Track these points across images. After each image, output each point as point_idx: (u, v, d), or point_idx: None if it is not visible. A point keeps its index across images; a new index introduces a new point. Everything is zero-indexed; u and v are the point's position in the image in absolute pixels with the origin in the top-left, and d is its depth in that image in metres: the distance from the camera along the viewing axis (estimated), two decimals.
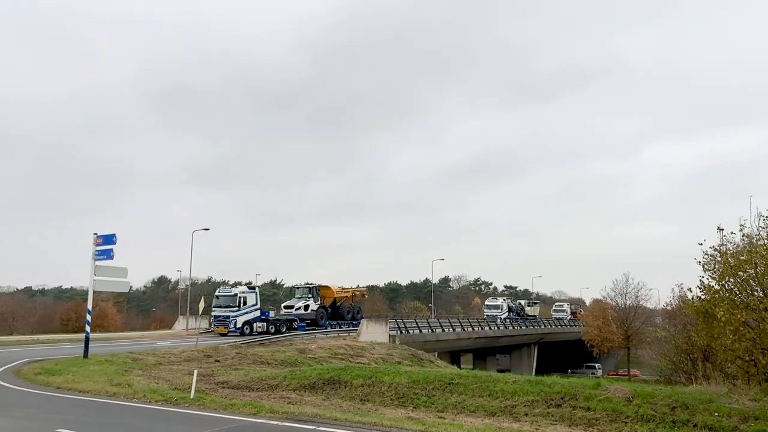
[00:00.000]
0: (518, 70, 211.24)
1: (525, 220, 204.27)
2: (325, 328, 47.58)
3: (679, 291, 42.94)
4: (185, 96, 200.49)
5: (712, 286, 19.20)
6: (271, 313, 47.32)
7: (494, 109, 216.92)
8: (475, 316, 75.03)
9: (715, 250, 19.29)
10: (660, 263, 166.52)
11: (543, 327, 70.24)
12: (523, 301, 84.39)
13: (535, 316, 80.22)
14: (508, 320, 68.42)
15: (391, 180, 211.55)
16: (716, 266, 19.19)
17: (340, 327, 49.40)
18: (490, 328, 58.10)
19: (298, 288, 53.06)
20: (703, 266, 19.50)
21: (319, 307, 49.32)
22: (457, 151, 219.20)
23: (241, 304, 42.38)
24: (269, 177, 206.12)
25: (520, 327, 65.83)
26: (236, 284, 53.24)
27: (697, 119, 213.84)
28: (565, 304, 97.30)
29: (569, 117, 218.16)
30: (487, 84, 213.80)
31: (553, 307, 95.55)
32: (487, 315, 70.50)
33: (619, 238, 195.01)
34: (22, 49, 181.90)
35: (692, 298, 20.94)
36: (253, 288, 46.36)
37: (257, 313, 43.72)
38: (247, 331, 41.65)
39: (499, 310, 72.25)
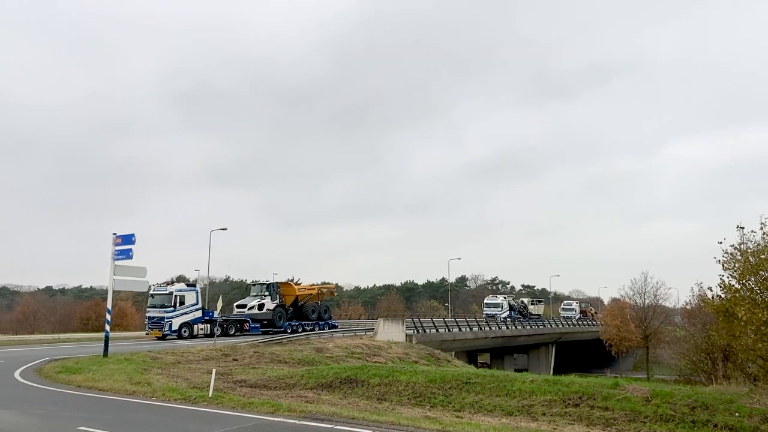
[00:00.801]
0: (540, 66, 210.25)
1: (544, 218, 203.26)
2: (285, 331, 43.77)
3: (699, 290, 42.64)
4: (206, 96, 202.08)
5: (733, 285, 19.01)
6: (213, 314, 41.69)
7: (515, 106, 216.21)
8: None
9: (735, 248, 19.11)
10: (681, 262, 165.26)
11: (561, 326, 69.41)
12: (526, 299, 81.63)
13: (539, 315, 77.70)
14: (509, 319, 66.07)
15: (411, 179, 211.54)
16: (736, 265, 19.01)
17: (303, 329, 45.59)
18: (507, 328, 57.90)
19: (253, 285, 48.14)
20: (723, 265, 19.32)
21: (276, 307, 44.90)
22: (477, 149, 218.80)
23: (177, 304, 38.83)
24: (289, 176, 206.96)
25: (537, 326, 65.19)
26: (174, 281, 44.86)
27: (720, 115, 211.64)
28: (574, 302, 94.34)
29: (591, 114, 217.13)
30: (508, 81, 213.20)
31: (562, 306, 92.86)
32: (486, 314, 68.12)
33: (639, 237, 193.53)
34: (45, 50, 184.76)
35: (712, 297, 20.74)
36: (193, 285, 42.49)
37: (198, 314, 40.20)
38: (186, 334, 38.59)
39: (499, 309, 69.85)
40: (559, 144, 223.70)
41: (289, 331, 44.03)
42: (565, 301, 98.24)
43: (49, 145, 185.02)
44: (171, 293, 39.00)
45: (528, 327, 62.97)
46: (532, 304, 79.87)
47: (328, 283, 64.90)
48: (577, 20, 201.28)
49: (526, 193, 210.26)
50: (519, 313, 72.70)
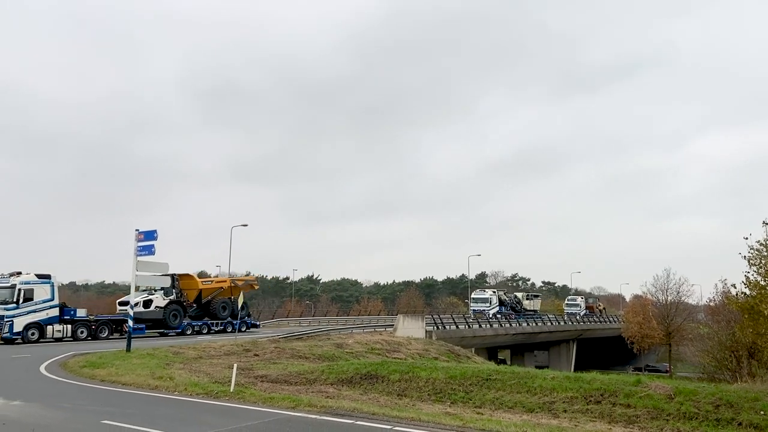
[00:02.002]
0: (565, 60, 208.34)
1: (567, 214, 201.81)
2: (184, 332, 38.52)
3: (723, 287, 42.07)
4: (229, 93, 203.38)
5: (758, 282, 18.75)
6: (80, 312, 35.59)
7: (539, 101, 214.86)
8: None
9: (762, 244, 18.83)
10: (704, 259, 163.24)
11: (582, 323, 68.87)
12: (520, 294, 77.39)
13: (535, 311, 73.30)
14: (499, 315, 60.97)
15: (432, 176, 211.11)
16: (762, 261, 18.74)
17: (210, 329, 40.44)
18: (527, 324, 57.66)
19: None
20: (749, 261, 19.07)
21: (169, 303, 38.62)
22: (499, 146, 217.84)
23: (22, 300, 31.65)
24: (311, 173, 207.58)
25: (559, 323, 64.80)
26: (20, 272, 33.81)
27: (747, 109, 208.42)
28: (579, 297, 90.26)
29: (616, 108, 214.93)
30: (532, 76, 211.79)
31: (566, 301, 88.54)
32: (474, 310, 63.34)
33: (662, 234, 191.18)
34: (71, 48, 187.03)
35: (737, 294, 20.49)
36: (47, 277, 33.58)
37: (53, 312, 32.87)
38: (34, 337, 31.86)
39: (487, 305, 64.29)
40: (583, 139, 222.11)
41: (189, 332, 39.00)
42: (569, 297, 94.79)
43: (74, 142, 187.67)
44: (14, 286, 31.73)
45: (525, 324, 62.18)
46: (527, 298, 75.54)
47: (248, 276, 58.99)
48: (604, 12, 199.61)
49: (548, 189, 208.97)
50: (512, 308, 68.24)
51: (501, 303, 66.53)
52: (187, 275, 42.43)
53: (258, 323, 47.85)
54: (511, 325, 54.04)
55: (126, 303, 35.53)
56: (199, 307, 42.04)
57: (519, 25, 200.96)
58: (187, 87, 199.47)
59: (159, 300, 38.18)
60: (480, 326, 49.23)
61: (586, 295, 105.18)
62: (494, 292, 67.62)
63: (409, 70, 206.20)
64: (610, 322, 75.03)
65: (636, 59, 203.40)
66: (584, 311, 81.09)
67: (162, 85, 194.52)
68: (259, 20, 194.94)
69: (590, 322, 71.48)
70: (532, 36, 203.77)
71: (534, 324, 59.11)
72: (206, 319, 41.47)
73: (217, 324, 41.43)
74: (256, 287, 54.29)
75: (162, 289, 37.67)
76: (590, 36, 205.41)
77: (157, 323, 38.20)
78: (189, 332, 39.04)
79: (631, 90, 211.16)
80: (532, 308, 73.11)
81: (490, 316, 58.61)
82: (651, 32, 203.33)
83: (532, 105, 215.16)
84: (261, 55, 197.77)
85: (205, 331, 40.09)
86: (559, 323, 64.42)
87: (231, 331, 40.06)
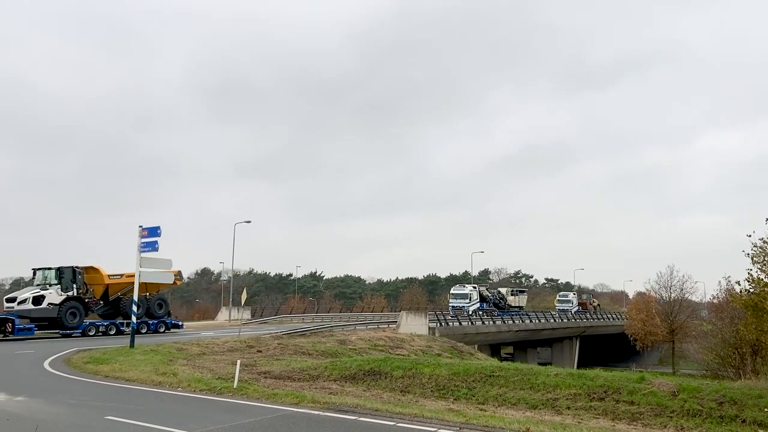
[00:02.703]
0: (573, 56, 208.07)
1: (572, 211, 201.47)
2: (86, 333, 33.72)
3: (727, 284, 42.06)
4: (236, 90, 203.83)
5: (762, 279, 18.69)
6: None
7: (546, 98, 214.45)
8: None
9: (765, 242, 18.77)
10: (710, 255, 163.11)
11: (585, 320, 68.78)
12: (504, 289, 72.41)
13: (521, 307, 69.29)
14: (481, 311, 58.94)
15: (438, 172, 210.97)
16: (766, 258, 18.68)
17: (118, 330, 35.11)
18: (530, 321, 57.60)
19: (39, 270, 34.86)
20: (752, 258, 19.00)
21: (67, 300, 33.36)
22: (505, 142, 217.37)
23: None
24: (316, 170, 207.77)
25: (561, 320, 64.70)
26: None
27: (755, 106, 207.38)
28: (570, 293, 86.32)
29: (623, 105, 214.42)
30: (540, 72, 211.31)
31: (557, 298, 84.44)
32: (452, 306, 59.51)
33: (668, 231, 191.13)
34: (76, 43, 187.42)
35: (740, 292, 20.43)
36: None
37: None
38: None
39: (467, 301, 60.06)
40: (590, 136, 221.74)
41: (92, 333, 33.93)
42: (560, 293, 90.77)
43: (80, 139, 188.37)
44: None
45: (512, 321, 61.60)
46: (512, 294, 71.04)
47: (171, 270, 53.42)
48: (613, 7, 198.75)
49: (554, 186, 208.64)
50: (494, 305, 64.33)
51: (483, 299, 62.84)
52: (92, 268, 36.47)
53: (181, 323, 41.49)
54: (513, 321, 54.01)
55: (13, 300, 32.77)
56: (108, 305, 37.10)
57: (526, 22, 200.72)
58: (194, 84, 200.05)
59: (53, 296, 32.93)
60: (483, 323, 49.23)
61: (583, 292, 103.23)
62: (474, 287, 63.10)
63: (416, 67, 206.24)
64: (613, 319, 74.97)
65: (644, 55, 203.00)
66: (576, 308, 77.90)
67: (168, 82, 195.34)
68: (267, 17, 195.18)
69: (593, 319, 71.41)
70: (539, 32, 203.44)
71: (529, 321, 58.64)
72: (119, 318, 36.25)
73: (126, 324, 34.70)
74: (179, 283, 47.86)
75: (58, 284, 33.47)
76: (598, 32, 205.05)
77: (52, 323, 33.02)
78: (92, 333, 34.02)
79: (639, 86, 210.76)
80: (517, 304, 69.01)
81: (470, 312, 55.00)
82: (660, 28, 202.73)
83: (539, 101, 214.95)
84: (268, 52, 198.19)
85: (113, 332, 34.74)
86: (561, 320, 64.34)
87: (146, 332, 36.12)
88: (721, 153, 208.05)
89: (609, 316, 77.40)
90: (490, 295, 64.86)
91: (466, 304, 58.80)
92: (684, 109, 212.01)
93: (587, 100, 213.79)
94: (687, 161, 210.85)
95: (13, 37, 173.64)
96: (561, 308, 75.23)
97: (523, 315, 60.05)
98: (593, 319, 71.54)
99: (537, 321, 58.78)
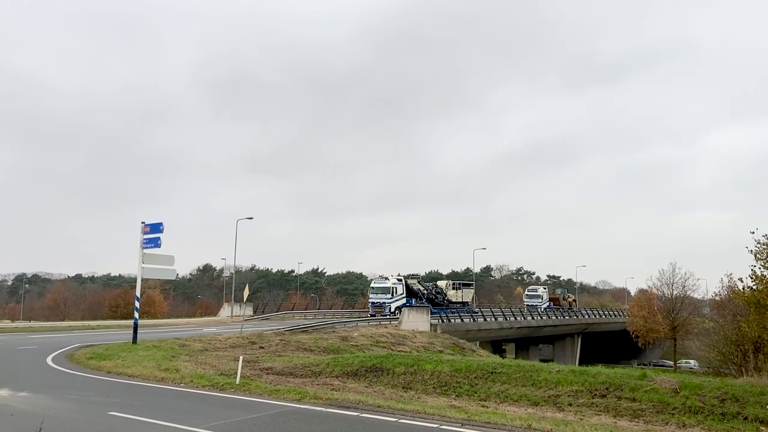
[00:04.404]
0: (581, 52, 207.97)
1: (577, 208, 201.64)
2: None
3: (729, 281, 42.02)
4: (244, 85, 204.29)
5: (765, 276, 18.69)
6: None
7: (553, 93, 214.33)
8: (517, 305, 73.60)
9: None
10: (715, 253, 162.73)
11: (587, 317, 68.75)
12: (443, 283, 63.27)
13: (465, 303, 60.78)
14: (408, 308, 48.25)
15: (443, 168, 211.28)
16: None
17: None
18: (532, 318, 57.63)
19: None
20: (755, 255, 19.00)
21: None
22: (511, 138, 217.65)
23: None
24: (322, 166, 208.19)
25: (563, 317, 64.69)
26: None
27: (764, 102, 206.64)
28: (540, 287, 79.24)
29: (632, 100, 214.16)
30: (548, 67, 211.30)
31: (525, 292, 77.43)
32: (372, 302, 51.81)
33: (674, 227, 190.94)
34: (86, 40, 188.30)
35: (743, 288, 20.42)
36: None
37: None
38: None
39: (388, 296, 50.60)
40: (596, 132, 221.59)
41: None
42: (529, 287, 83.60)
43: (86, 135, 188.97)
44: None
45: (567, 317, 61.36)
46: (453, 288, 61.73)
47: None
48: (624, 2, 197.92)
49: (559, 182, 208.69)
50: (430, 300, 55.16)
51: (412, 294, 53.51)
52: None
53: None
54: (516, 318, 54.03)
55: None
56: None
57: (536, 16, 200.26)
58: (202, 79, 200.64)
59: None
60: (485, 320, 49.22)
61: (559, 286, 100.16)
62: (400, 279, 53.16)
63: (423, 62, 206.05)
64: (615, 316, 74.95)
65: (655, 50, 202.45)
66: (547, 303, 71.79)
67: (176, 78, 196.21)
68: (275, 11, 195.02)
69: (595, 315, 71.31)
70: (549, 27, 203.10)
71: (539, 318, 58.66)
72: None
73: None
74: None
75: None
76: (607, 27, 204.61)
77: None
78: None
79: (649, 82, 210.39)
80: (459, 299, 60.10)
81: (392, 310, 48.46)
82: (669, 23, 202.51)
83: (546, 97, 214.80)
84: (276, 47, 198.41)
85: None
86: (563, 317, 64.37)
87: None
88: (727, 150, 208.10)
89: (611, 313, 77.31)
90: (422, 288, 56.38)
91: (387, 300, 50.26)
92: (692, 105, 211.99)
93: (595, 95, 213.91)
94: (693, 158, 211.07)
95: (23, 35, 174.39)
96: (529, 304, 69.94)
97: (470, 312, 54.52)
98: (595, 316, 71.45)
99: (539, 318, 58.82)
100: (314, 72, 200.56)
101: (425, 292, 55.51)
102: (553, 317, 62.43)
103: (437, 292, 57.41)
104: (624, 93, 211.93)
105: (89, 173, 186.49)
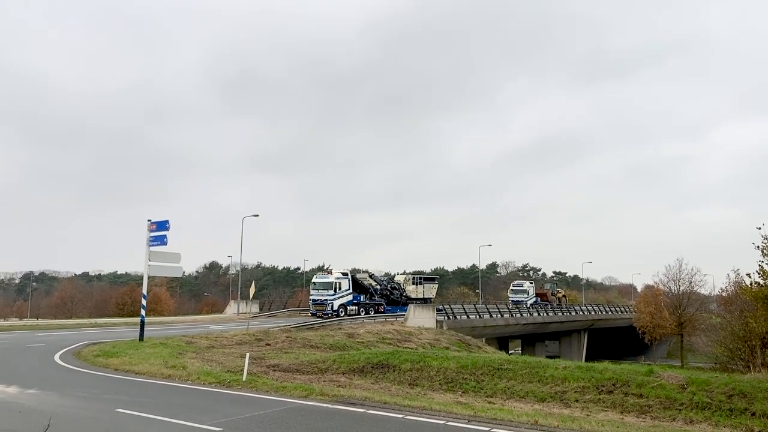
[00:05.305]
0: (591, 47, 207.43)
1: (584, 204, 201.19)
2: None
3: (736, 276, 41.83)
4: (252, 82, 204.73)
5: None
6: None
7: (563, 89, 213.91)
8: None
9: None
10: (724, 249, 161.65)
11: (594, 313, 68.53)
12: (401, 277, 58.61)
13: (427, 299, 55.57)
14: (352, 306, 47.42)
15: (451, 165, 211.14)
16: None
17: None
18: (538, 314, 57.54)
19: None
20: (762, 251, 18.94)
21: None
22: (521, 134, 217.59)
23: None
24: (330, 163, 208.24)
25: (569, 313, 64.56)
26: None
27: None
28: (526, 282, 74.61)
29: (641, 96, 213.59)
30: (558, 62, 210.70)
31: (510, 287, 72.46)
32: (312, 299, 47.01)
33: (681, 223, 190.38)
34: (94, 38, 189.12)
35: (750, 284, 20.35)
36: None
37: None
38: None
39: (330, 292, 45.88)
40: (606, 128, 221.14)
41: None
42: (514, 282, 77.96)
43: (97, 133, 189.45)
44: None
45: (573, 313, 61.23)
46: (414, 283, 56.69)
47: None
48: None
49: (567, 178, 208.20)
50: (384, 296, 51.93)
51: (363, 290, 49.86)
52: None
53: None
54: (521, 315, 53.97)
55: None
56: None
57: (544, 11, 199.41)
58: (209, 76, 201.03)
59: None
60: (491, 316, 49.17)
61: (547, 281, 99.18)
62: (346, 273, 48.49)
63: (431, 59, 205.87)
64: (622, 312, 74.71)
65: (665, 45, 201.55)
66: (534, 299, 68.49)
67: (183, 75, 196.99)
68: (285, 8, 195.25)
69: (602, 312, 71.09)
70: (558, 22, 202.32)
71: (537, 315, 58.36)
72: None
73: None
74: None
75: None
76: (618, 22, 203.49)
77: None
78: None
79: (660, 76, 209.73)
80: (419, 296, 55.12)
81: (335, 308, 45.34)
82: (680, 17, 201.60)
83: (556, 92, 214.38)
84: (284, 43, 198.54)
85: None
86: (570, 313, 64.24)
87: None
88: (737, 145, 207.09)
89: (617, 309, 77.00)
90: (375, 284, 52.15)
91: (329, 297, 45.72)
92: (703, 99, 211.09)
93: (604, 91, 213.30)
94: (702, 154, 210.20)
95: (33, 34, 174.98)
96: (514, 299, 66.17)
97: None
98: (602, 312, 71.21)
99: (545, 314, 58.74)
100: (322, 69, 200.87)
101: (378, 287, 52.41)
102: (559, 314, 62.32)
103: (393, 288, 54.07)
104: (633, 88, 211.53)
105: (97, 171, 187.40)
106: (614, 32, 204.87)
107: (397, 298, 53.10)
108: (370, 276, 54.01)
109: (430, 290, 57.77)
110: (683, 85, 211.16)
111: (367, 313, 47.40)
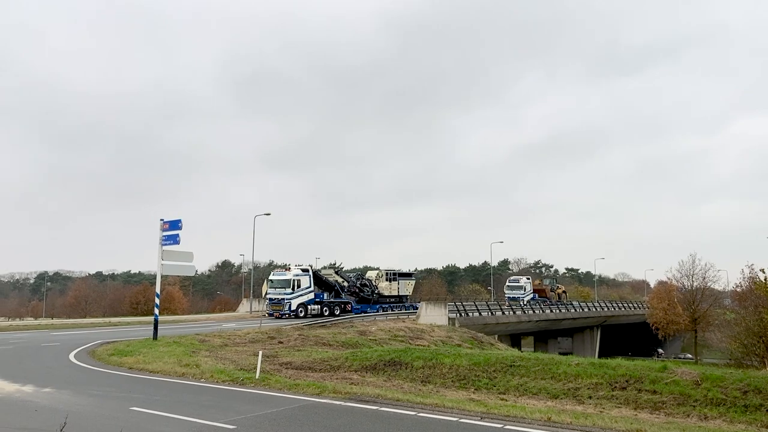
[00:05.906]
0: (606, 40, 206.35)
1: (597, 200, 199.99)
2: None
3: (750, 272, 41.50)
4: (265, 81, 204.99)
5: None
6: None
7: (576, 84, 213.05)
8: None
9: None
10: (738, 243, 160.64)
11: (606, 309, 68.12)
12: (373, 273, 55.24)
13: (403, 297, 53.96)
14: (314, 305, 44.33)
15: (462, 161, 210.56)
16: None
17: None
18: (551, 311, 57.33)
19: None
20: None
21: None
22: (533, 130, 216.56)
23: None
24: (340, 161, 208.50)
25: (583, 310, 64.16)
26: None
27: None
28: (523, 278, 71.23)
29: (655, 90, 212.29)
30: (571, 58, 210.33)
31: (506, 283, 69.41)
32: (270, 299, 44.07)
33: (695, 218, 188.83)
34: (111, 38, 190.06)
35: (765, 280, 20.18)
36: None
37: None
38: None
39: (288, 290, 42.80)
40: (619, 123, 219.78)
41: None
42: (510, 277, 75.11)
43: (111, 133, 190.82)
44: None
45: (586, 309, 61.00)
46: (387, 279, 53.30)
47: None
48: None
49: (580, 174, 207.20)
50: (353, 294, 49.39)
51: (327, 287, 47.33)
52: None
53: None
54: (534, 311, 53.82)
55: None
56: None
57: (558, 6, 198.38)
58: (225, 76, 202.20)
59: None
60: (503, 313, 49.05)
61: (547, 277, 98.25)
62: (307, 270, 45.03)
63: (445, 54, 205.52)
64: (635, 308, 74.29)
65: (679, 39, 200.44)
66: (530, 295, 65.53)
67: (199, 74, 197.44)
68: (298, 6, 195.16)
69: (615, 308, 70.68)
70: (571, 16, 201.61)
71: (558, 311, 58.27)
72: None
73: None
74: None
75: None
76: (632, 15, 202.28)
77: None
78: None
79: (675, 70, 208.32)
80: (392, 293, 52.75)
81: (293, 307, 42.51)
82: (695, 10, 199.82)
83: (569, 88, 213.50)
84: (297, 42, 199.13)
85: None
86: (583, 310, 63.90)
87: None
88: (751, 139, 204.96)
89: (630, 305, 76.54)
90: (341, 280, 49.32)
91: (287, 296, 42.76)
92: (717, 94, 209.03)
93: (618, 85, 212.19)
94: (717, 148, 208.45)
95: (49, 34, 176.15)
96: (510, 296, 63.49)
97: (407, 305, 49.31)
98: (615, 308, 70.80)
99: (557, 311, 58.53)
100: (336, 66, 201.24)
101: (346, 284, 49.41)
102: (571, 310, 62.01)
103: (363, 285, 50.71)
104: (647, 83, 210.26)
105: (111, 171, 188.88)
106: (628, 26, 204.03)
107: (368, 295, 50.40)
108: (337, 272, 51.40)
109: (406, 287, 55.12)
110: (697, 78, 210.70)
111: (332, 312, 44.94)
